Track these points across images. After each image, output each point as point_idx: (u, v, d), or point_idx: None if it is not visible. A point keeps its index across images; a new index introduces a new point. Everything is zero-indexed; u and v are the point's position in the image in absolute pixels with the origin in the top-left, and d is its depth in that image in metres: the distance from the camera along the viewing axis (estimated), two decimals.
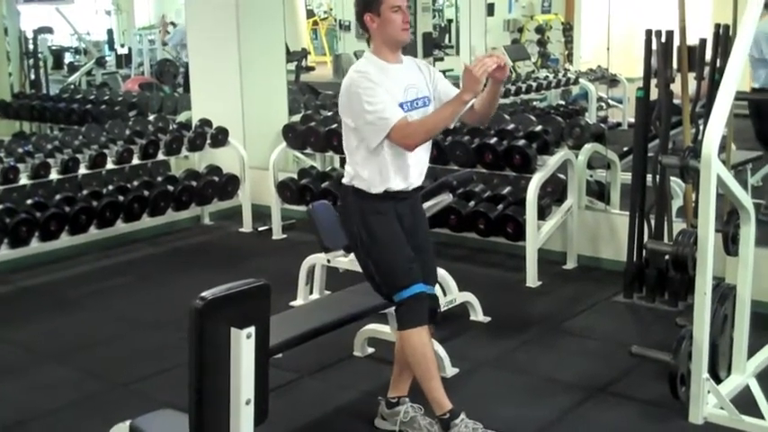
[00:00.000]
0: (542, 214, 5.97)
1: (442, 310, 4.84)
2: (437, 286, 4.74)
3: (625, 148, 6.91)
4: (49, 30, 13.21)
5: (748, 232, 3.98)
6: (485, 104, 3.65)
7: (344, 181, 3.72)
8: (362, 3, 3.63)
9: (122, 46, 15.57)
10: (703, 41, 5.21)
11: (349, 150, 3.67)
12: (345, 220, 3.76)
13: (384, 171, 3.58)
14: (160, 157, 7.26)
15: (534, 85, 10.58)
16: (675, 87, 5.26)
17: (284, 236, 7.26)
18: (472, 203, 6.31)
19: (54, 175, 6.55)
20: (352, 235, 3.72)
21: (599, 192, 6.72)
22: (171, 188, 7.15)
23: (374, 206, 3.62)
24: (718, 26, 5.13)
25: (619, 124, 10.16)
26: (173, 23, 14.29)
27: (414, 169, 3.66)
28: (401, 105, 3.56)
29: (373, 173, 3.59)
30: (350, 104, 3.56)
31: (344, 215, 3.76)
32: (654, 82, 5.33)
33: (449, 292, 5.08)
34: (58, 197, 6.57)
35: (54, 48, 14.99)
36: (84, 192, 6.77)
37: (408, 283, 3.60)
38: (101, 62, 14.05)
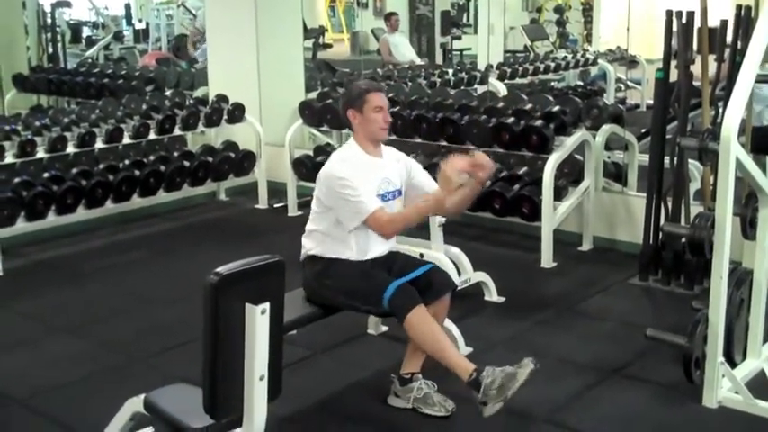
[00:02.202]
0: (558, 195, 5.95)
1: (457, 289, 4.86)
2: (450, 265, 4.78)
3: (643, 130, 6.87)
4: (67, 3, 13.17)
5: (766, 216, 3.95)
6: (459, 201, 3.89)
7: (302, 258, 3.96)
8: (347, 100, 3.95)
9: (140, 21, 15.51)
10: (724, 23, 5.17)
11: (311, 228, 3.93)
12: (310, 291, 3.94)
13: (345, 245, 3.84)
14: (176, 132, 7.26)
15: (552, 65, 10.52)
16: (695, 69, 5.21)
17: (299, 213, 7.26)
18: (488, 183, 6.28)
19: (71, 149, 6.55)
20: (323, 299, 3.89)
21: (616, 173, 6.69)
22: (187, 164, 7.15)
23: (325, 262, 3.86)
24: (739, 7, 5.07)
25: (637, 106, 10.09)
26: (191, 13, 14.19)
27: (374, 249, 3.90)
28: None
29: (337, 247, 3.85)
30: (330, 188, 3.79)
31: (307, 287, 3.95)
32: (674, 63, 5.29)
33: (463, 271, 5.07)
34: (74, 171, 6.58)
35: (72, 22, 14.95)
36: (101, 166, 6.78)
37: (386, 285, 3.70)
38: (118, 37, 14.01)
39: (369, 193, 3.77)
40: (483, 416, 3.44)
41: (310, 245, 3.92)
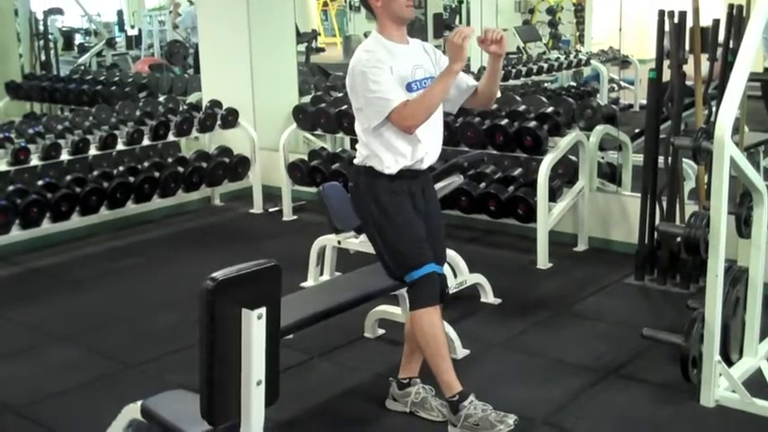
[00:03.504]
0: (553, 196, 5.95)
1: (453, 291, 4.86)
2: (446, 267, 4.77)
3: (637, 130, 6.89)
4: (59, 11, 13.19)
5: (761, 214, 3.95)
6: (486, 83, 3.69)
7: (356, 161, 3.71)
8: None
9: (132, 27, 15.53)
10: (716, 22, 5.18)
11: (359, 131, 3.66)
12: (357, 200, 3.75)
13: (393, 149, 3.57)
14: (170, 138, 7.26)
15: (545, 66, 10.54)
16: (688, 69, 5.22)
17: (295, 217, 7.27)
18: (483, 185, 6.29)
19: (65, 156, 6.55)
20: (363, 215, 3.71)
21: (610, 173, 6.70)
22: (181, 169, 7.15)
23: (386, 186, 3.61)
24: (731, 7, 5.09)
25: (630, 106, 10.14)
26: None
27: (423, 147, 3.62)
28: (410, 85, 3.56)
29: (384, 152, 3.57)
30: (354, 84, 3.56)
31: (356, 195, 3.74)
32: (666, 63, 5.30)
33: (459, 273, 5.07)
34: (68, 178, 6.57)
35: (64, 29, 14.97)
36: (95, 173, 6.78)
37: (420, 263, 3.59)
38: (111, 43, 14.03)
39: (393, 85, 3.49)
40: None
41: (366, 151, 3.64)
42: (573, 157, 6.17)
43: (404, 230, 3.61)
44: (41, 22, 11.97)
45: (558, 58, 11.08)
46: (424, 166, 3.67)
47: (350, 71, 3.58)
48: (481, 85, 3.72)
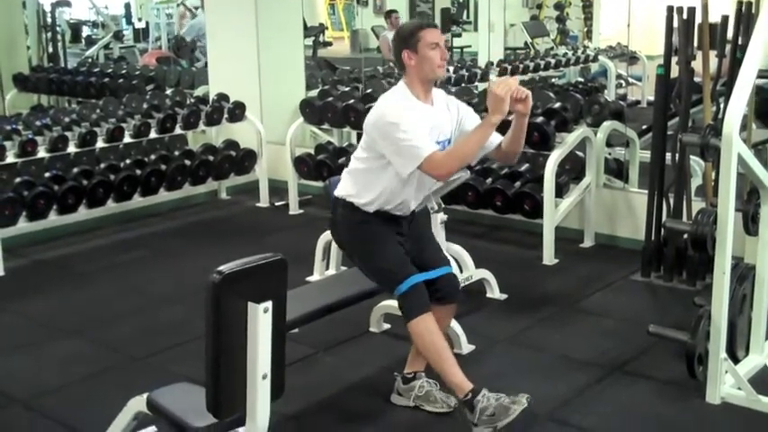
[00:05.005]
0: (560, 192, 5.94)
1: (460, 287, 4.85)
2: (452, 263, 4.77)
3: (644, 126, 6.87)
4: (66, 3, 13.17)
5: None
6: (510, 140, 3.74)
7: (337, 193, 3.81)
8: (400, 40, 3.68)
9: (140, 20, 15.52)
10: (725, 18, 5.16)
11: (355, 167, 3.76)
12: (335, 230, 3.90)
13: (384, 198, 3.68)
14: (177, 131, 7.25)
15: (553, 61, 10.52)
16: (696, 65, 5.21)
17: (301, 211, 7.27)
18: (489, 180, 6.28)
19: (72, 149, 6.55)
20: (343, 243, 3.89)
21: (617, 170, 6.68)
22: (188, 162, 7.15)
23: (362, 216, 3.72)
24: (740, 3, 5.07)
25: (638, 102, 10.09)
26: (190, 11, 14.20)
27: (416, 201, 3.78)
28: None
29: (373, 196, 3.68)
30: (381, 133, 3.58)
31: (334, 226, 3.89)
32: (675, 59, 5.28)
33: (465, 269, 5.07)
34: (75, 170, 6.58)
35: (72, 21, 14.95)
36: (102, 165, 6.79)
37: (404, 277, 3.64)
38: (118, 36, 14.01)
39: (422, 135, 3.53)
40: None
41: (351, 189, 3.74)
42: (580, 153, 6.16)
43: (383, 250, 3.71)
44: (49, 15, 11.97)
45: (566, 53, 11.05)
46: (405, 213, 3.78)
47: (372, 124, 3.62)
48: (505, 141, 3.75)
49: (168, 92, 8.48)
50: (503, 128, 3.69)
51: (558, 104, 6.17)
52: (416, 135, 3.50)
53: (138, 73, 9.97)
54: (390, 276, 3.67)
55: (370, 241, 3.72)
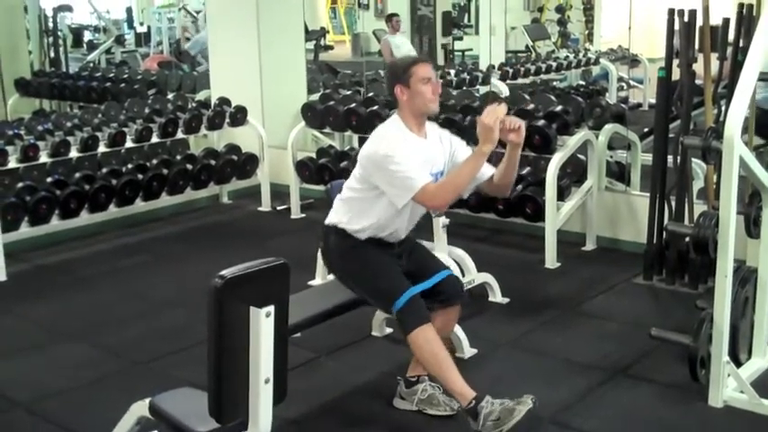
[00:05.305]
0: (562, 195, 5.94)
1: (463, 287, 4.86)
2: (454, 266, 4.78)
3: (646, 129, 6.87)
4: (68, 8, 13.20)
5: None
6: (503, 172, 3.80)
7: (328, 221, 3.87)
8: (393, 75, 3.77)
9: (141, 24, 15.56)
10: (726, 21, 5.16)
11: (348, 196, 3.82)
12: (327, 257, 3.95)
13: (376, 226, 3.75)
14: (179, 135, 7.27)
15: (554, 64, 10.54)
16: (698, 67, 5.21)
17: (303, 215, 7.27)
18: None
19: (73, 153, 6.56)
20: (337, 270, 3.91)
21: (619, 173, 6.68)
22: (190, 167, 7.16)
23: (353, 241, 3.78)
24: (741, 5, 5.07)
25: (639, 105, 10.11)
26: (192, 15, 14.18)
27: (407, 230, 3.85)
28: None
29: (366, 224, 3.76)
30: (375, 165, 3.64)
31: (326, 254, 3.94)
32: (676, 62, 5.28)
33: (467, 272, 5.07)
34: (77, 175, 6.58)
35: (73, 26, 14.99)
36: (104, 170, 6.79)
37: (400, 292, 3.65)
38: (120, 40, 14.04)
39: (416, 167, 3.60)
40: None
41: (342, 216, 3.81)
42: (581, 156, 6.16)
43: (377, 270, 3.75)
44: (51, 19, 11.98)
45: (567, 56, 11.07)
46: (397, 240, 3.84)
47: (366, 157, 3.69)
48: (497, 173, 3.81)
49: (170, 96, 8.48)
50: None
51: (559, 107, 6.17)
52: (410, 167, 3.57)
53: (139, 77, 9.97)
54: (388, 294, 3.69)
55: (364, 264, 3.78)
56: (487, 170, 3.80)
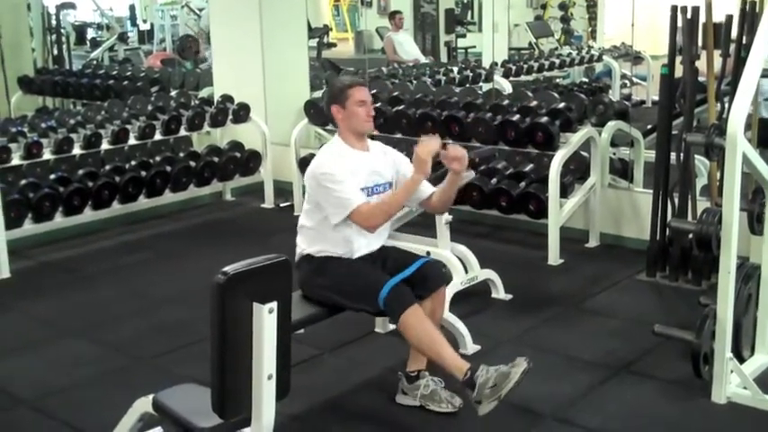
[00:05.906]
0: (565, 192, 5.94)
1: (464, 287, 4.87)
2: (457, 263, 4.79)
3: (649, 126, 6.86)
4: (71, 5, 13.21)
5: None
6: (442, 195, 3.97)
7: (298, 252, 3.97)
8: (330, 96, 3.97)
9: (144, 22, 15.57)
10: (729, 18, 5.15)
11: (302, 224, 3.96)
12: (305, 287, 3.95)
13: (333, 243, 3.87)
14: (182, 132, 7.27)
15: (557, 62, 10.52)
16: (701, 64, 5.20)
17: None
18: (494, 180, 6.28)
19: (77, 151, 6.57)
20: (317, 294, 3.90)
21: (622, 170, 6.67)
22: (193, 164, 7.16)
23: (324, 258, 3.88)
24: (744, 2, 5.06)
25: (642, 102, 10.09)
26: (195, 12, 14.16)
27: (378, 242, 3.97)
28: (362, 190, 3.83)
29: (327, 246, 3.87)
30: (315, 184, 3.81)
31: (303, 284, 3.95)
32: (679, 59, 5.28)
33: (470, 269, 5.07)
34: (80, 172, 6.59)
35: (76, 23, 15.02)
36: (107, 167, 6.80)
37: (381, 285, 3.69)
38: (123, 38, 14.05)
39: (353, 187, 3.77)
40: (478, 414, 3.45)
41: (303, 244, 3.96)
42: (584, 153, 6.16)
43: (354, 274, 3.82)
44: (54, 17, 11.99)
45: (570, 53, 11.06)
46: (367, 251, 3.92)
47: (309, 173, 3.86)
48: (437, 194, 3.98)
49: (173, 93, 8.48)
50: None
51: (562, 104, 6.17)
52: (347, 187, 3.75)
53: (142, 75, 9.97)
54: (370, 291, 3.70)
55: (339, 274, 3.83)
56: (428, 188, 3.97)
